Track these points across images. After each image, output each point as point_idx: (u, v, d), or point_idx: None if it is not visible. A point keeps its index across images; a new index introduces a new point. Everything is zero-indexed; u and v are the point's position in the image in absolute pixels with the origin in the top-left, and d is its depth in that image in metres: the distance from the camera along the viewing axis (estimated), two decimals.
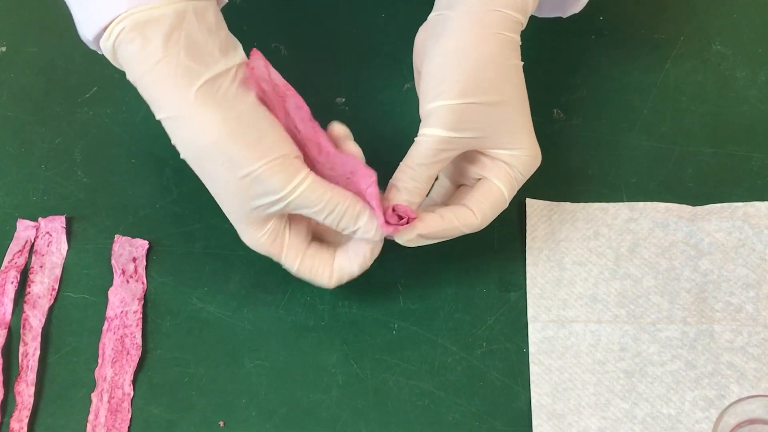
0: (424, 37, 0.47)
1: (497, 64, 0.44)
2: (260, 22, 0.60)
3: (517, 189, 0.47)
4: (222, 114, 0.42)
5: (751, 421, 0.45)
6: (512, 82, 0.45)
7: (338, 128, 0.46)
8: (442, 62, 0.45)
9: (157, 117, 0.44)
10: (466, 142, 0.45)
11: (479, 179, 0.47)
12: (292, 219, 0.46)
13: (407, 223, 0.45)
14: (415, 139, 0.46)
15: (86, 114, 0.56)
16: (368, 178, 0.44)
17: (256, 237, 0.45)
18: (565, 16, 0.54)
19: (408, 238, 0.45)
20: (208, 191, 0.48)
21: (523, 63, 0.46)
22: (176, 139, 0.44)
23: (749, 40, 0.58)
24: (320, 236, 0.48)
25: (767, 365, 0.48)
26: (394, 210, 0.45)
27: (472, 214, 0.46)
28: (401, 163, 0.46)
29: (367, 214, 0.45)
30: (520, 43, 0.46)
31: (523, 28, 0.47)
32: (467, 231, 0.46)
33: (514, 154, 0.46)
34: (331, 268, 0.47)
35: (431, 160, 0.45)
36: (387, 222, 0.45)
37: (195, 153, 0.44)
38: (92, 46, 0.47)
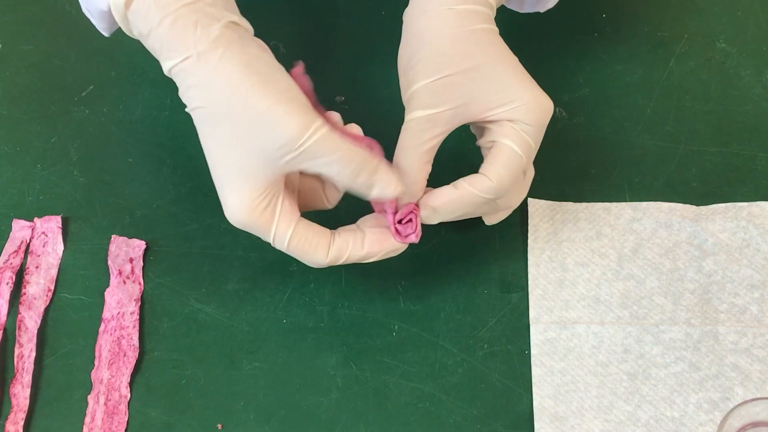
0: None
1: (456, 33, 0.45)
2: (259, 20, 0.59)
3: (531, 142, 0.45)
4: (245, 52, 0.43)
5: (756, 424, 0.45)
6: (480, 44, 0.45)
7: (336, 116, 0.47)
8: (407, 51, 0.46)
9: (171, 63, 0.43)
10: (450, 114, 0.45)
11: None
12: (284, 190, 0.45)
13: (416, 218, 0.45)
14: (402, 127, 0.46)
15: (82, 113, 0.56)
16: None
17: (248, 201, 0.43)
18: (542, 11, 0.53)
19: (424, 214, 0.45)
20: (206, 190, 0.47)
21: (497, 29, 0.46)
22: (191, 83, 0.43)
23: (754, 38, 0.58)
24: None
25: None
26: (400, 222, 0.45)
27: (486, 177, 0.45)
28: (395, 153, 0.46)
29: (384, 167, 0.44)
30: (489, 12, 0.46)
31: (494, 3, 0.46)
32: (487, 195, 0.45)
33: (513, 108, 0.45)
34: (328, 241, 0.45)
35: (417, 142, 0.45)
36: (398, 233, 0.45)
37: (211, 94, 0.43)
38: (94, 17, 0.47)
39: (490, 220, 0.50)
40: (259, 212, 0.43)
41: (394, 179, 0.44)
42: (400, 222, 0.45)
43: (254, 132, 0.42)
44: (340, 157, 0.43)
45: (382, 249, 0.45)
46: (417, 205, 0.45)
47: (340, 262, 0.45)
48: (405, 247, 0.46)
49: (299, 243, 0.44)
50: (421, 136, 0.45)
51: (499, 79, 0.45)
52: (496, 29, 0.46)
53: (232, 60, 0.43)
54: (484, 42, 0.45)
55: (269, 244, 0.51)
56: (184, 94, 0.44)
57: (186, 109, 0.45)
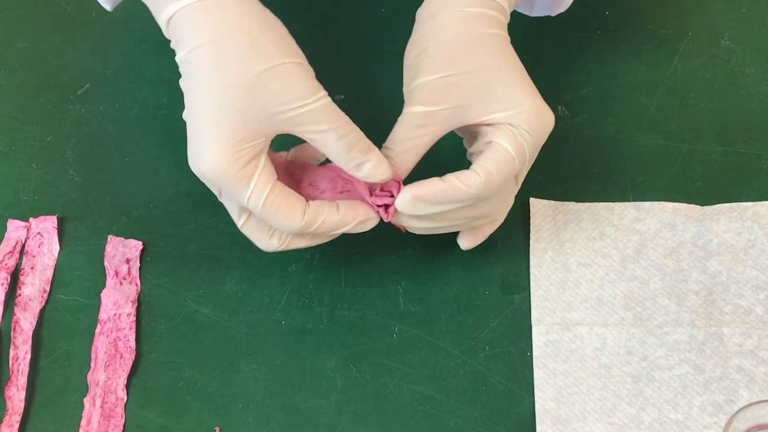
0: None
1: (469, 35, 0.45)
2: None
3: (528, 149, 0.45)
4: (262, 8, 0.44)
5: (761, 427, 0.44)
6: (488, 48, 0.45)
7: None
8: (416, 48, 0.46)
9: (179, 5, 0.42)
10: (447, 113, 0.45)
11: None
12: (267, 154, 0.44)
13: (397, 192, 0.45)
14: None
15: (78, 111, 0.55)
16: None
17: (234, 149, 0.42)
18: (553, 15, 0.53)
19: (403, 201, 0.44)
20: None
21: (509, 37, 0.46)
22: (202, 19, 0.42)
23: (759, 35, 0.58)
24: None
25: None
26: (381, 189, 0.45)
27: (475, 173, 0.44)
28: (383, 145, 0.45)
29: (377, 151, 0.44)
30: (502, 18, 0.46)
31: (508, 8, 0.46)
32: (474, 190, 0.44)
33: (513, 114, 0.44)
34: (304, 204, 0.44)
35: (409, 136, 0.45)
36: (377, 205, 0.45)
37: (227, 34, 0.42)
38: None
39: (466, 243, 0.49)
40: (242, 163, 0.42)
41: (385, 163, 0.44)
42: (382, 190, 0.45)
43: (263, 81, 0.42)
44: (339, 126, 0.43)
45: (356, 216, 0.45)
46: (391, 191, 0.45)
47: (314, 226, 0.44)
48: (377, 219, 0.45)
49: (276, 200, 0.43)
50: (414, 131, 0.45)
51: (503, 84, 0.45)
52: (507, 36, 0.46)
53: (251, 10, 0.43)
54: (491, 46, 0.45)
55: None
56: (184, 35, 0.43)
57: (178, 55, 0.43)
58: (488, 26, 0.45)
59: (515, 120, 0.44)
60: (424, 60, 0.45)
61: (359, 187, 0.45)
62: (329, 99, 0.43)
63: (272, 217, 0.44)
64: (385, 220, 0.45)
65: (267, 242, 0.46)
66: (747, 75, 0.56)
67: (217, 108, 0.42)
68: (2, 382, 0.48)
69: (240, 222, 0.45)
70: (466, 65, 0.44)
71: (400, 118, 0.45)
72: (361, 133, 0.44)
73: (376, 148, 0.44)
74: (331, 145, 0.43)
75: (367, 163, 0.43)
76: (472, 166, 0.45)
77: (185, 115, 0.44)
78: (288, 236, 0.45)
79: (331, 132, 0.43)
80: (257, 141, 0.42)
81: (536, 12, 0.54)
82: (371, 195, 0.45)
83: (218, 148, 0.42)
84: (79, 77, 0.56)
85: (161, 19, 0.44)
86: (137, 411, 0.47)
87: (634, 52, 0.57)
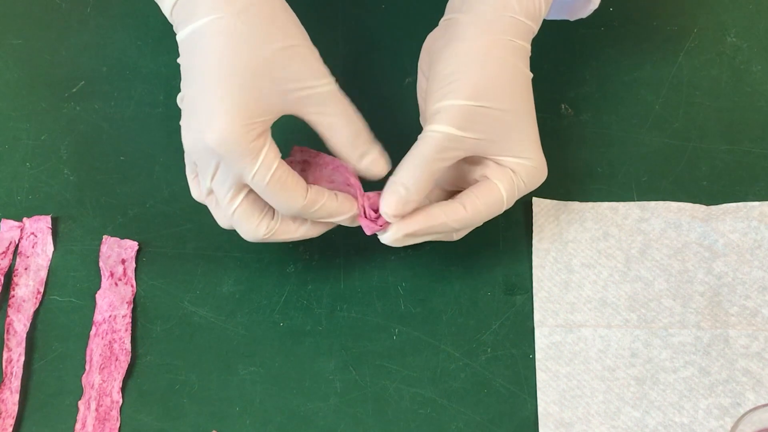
0: (433, 40, 0.48)
1: (508, 71, 0.45)
2: None
3: (516, 196, 0.46)
4: None
5: None
6: (522, 92, 0.46)
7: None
8: (452, 63, 0.45)
9: None
10: (473, 143, 0.45)
11: (479, 180, 0.47)
12: None
13: (381, 220, 0.45)
14: (420, 135, 0.45)
15: (73, 109, 0.55)
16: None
17: (246, 121, 0.42)
18: (572, 20, 0.53)
19: (394, 237, 0.45)
20: None
21: (532, 75, 0.46)
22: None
23: (765, 32, 0.57)
24: None
25: None
26: (374, 211, 0.45)
27: (462, 208, 0.45)
28: (403, 160, 0.45)
29: (380, 146, 0.45)
30: (530, 49, 0.46)
31: (534, 36, 0.47)
32: (457, 226, 0.45)
33: (521, 163, 0.46)
34: (306, 186, 0.44)
35: (437, 156, 0.44)
36: (365, 217, 0.45)
37: (237, 9, 0.42)
38: None
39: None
40: (253, 136, 0.42)
41: (384, 159, 0.44)
42: (374, 211, 0.45)
43: (280, 59, 0.42)
44: (345, 113, 0.44)
45: (352, 208, 0.45)
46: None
47: (313, 209, 0.44)
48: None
49: (282, 176, 0.43)
50: (442, 153, 0.44)
51: (523, 131, 0.46)
52: (531, 75, 0.46)
53: None
54: (522, 88, 0.46)
55: (266, 245, 0.50)
56: (197, 8, 0.42)
57: (184, 31, 0.43)
58: (524, 64, 0.46)
59: (519, 169, 0.46)
60: (459, 80, 0.44)
61: (356, 186, 0.45)
62: (338, 87, 0.44)
63: (276, 193, 0.43)
64: (368, 234, 0.45)
65: (254, 229, 0.45)
66: (753, 72, 0.56)
67: (231, 82, 0.42)
68: None
69: (234, 204, 0.44)
70: (500, 101, 0.44)
71: (428, 136, 0.44)
72: (366, 125, 0.44)
73: (379, 143, 0.44)
74: (338, 130, 0.44)
75: (369, 155, 0.44)
76: (461, 198, 0.45)
77: (187, 93, 0.43)
78: (276, 224, 0.45)
79: (339, 116, 0.44)
80: (267, 117, 0.43)
81: (551, 15, 0.53)
82: (365, 213, 0.45)
83: (230, 120, 0.42)
84: (74, 75, 0.55)
85: None
86: (133, 414, 0.47)
87: (638, 49, 0.56)
